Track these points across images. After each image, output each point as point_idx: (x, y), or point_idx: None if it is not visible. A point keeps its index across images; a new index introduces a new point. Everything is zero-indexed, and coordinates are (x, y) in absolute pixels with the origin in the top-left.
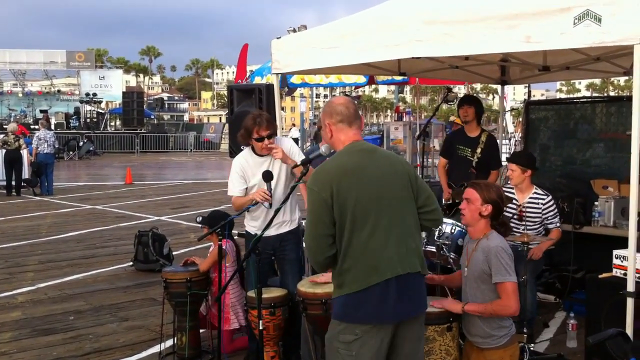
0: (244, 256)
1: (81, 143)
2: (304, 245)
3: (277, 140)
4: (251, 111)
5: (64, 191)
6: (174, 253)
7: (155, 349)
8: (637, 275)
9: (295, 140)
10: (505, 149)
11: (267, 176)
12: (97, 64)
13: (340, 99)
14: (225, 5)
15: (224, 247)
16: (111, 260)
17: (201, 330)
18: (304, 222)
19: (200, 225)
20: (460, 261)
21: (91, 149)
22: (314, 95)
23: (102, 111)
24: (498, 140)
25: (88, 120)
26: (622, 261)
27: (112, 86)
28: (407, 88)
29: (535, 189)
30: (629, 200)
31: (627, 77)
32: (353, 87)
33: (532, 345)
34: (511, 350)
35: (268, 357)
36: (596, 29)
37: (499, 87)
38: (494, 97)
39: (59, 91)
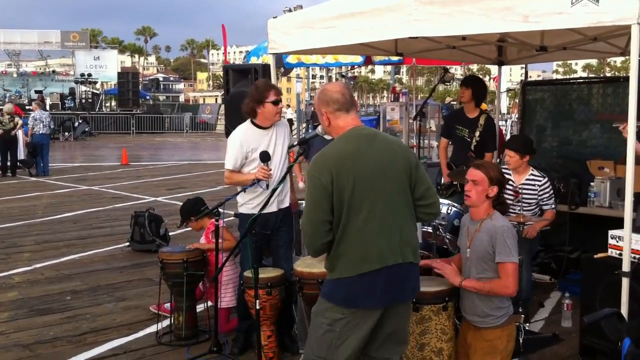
0: (241, 236)
1: (76, 124)
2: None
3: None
4: (247, 91)
5: (59, 172)
6: (170, 234)
7: (152, 328)
8: (633, 255)
9: (290, 121)
10: (503, 131)
11: (265, 156)
12: (92, 44)
13: (334, 85)
14: None
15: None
16: (107, 240)
17: (198, 310)
18: (302, 203)
19: (183, 225)
20: (459, 242)
21: (86, 129)
22: (310, 76)
23: (97, 92)
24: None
25: (83, 100)
26: (617, 241)
27: (107, 67)
28: (404, 69)
29: (532, 170)
30: (625, 181)
31: (623, 58)
32: (349, 67)
33: (527, 324)
34: (508, 330)
35: (265, 336)
36: (594, 8)
37: (495, 67)
38: (490, 78)
39: (53, 71)
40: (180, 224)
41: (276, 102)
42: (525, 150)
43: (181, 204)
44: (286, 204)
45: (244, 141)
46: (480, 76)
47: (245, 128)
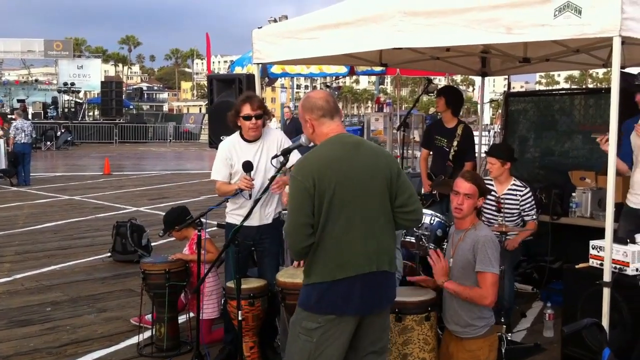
0: (223, 246)
1: (59, 133)
2: (284, 236)
3: (268, 130)
4: (232, 101)
5: (41, 181)
6: (152, 244)
7: (134, 340)
8: (614, 265)
9: None
10: (485, 141)
11: (247, 166)
12: (76, 53)
13: (318, 92)
14: None
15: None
16: (89, 251)
17: (180, 321)
18: (284, 212)
19: (167, 234)
20: (445, 252)
21: (69, 139)
22: (295, 86)
23: (80, 101)
24: (477, 132)
25: (66, 110)
26: (598, 251)
27: (91, 76)
28: (388, 79)
29: (514, 180)
30: (606, 192)
31: (605, 69)
32: (334, 78)
33: (510, 334)
34: (490, 340)
35: (247, 347)
36: (576, 20)
37: (478, 78)
38: (473, 89)
39: (36, 80)
40: (164, 233)
41: (248, 118)
42: (506, 157)
43: (164, 214)
44: (268, 220)
45: (228, 153)
46: (464, 87)
47: (232, 140)
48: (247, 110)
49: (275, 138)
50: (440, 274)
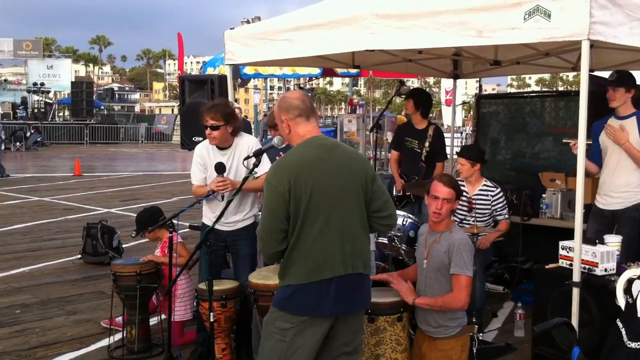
0: (195, 247)
1: (28, 134)
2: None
3: (240, 137)
4: (204, 102)
5: (10, 182)
6: (123, 246)
7: (104, 342)
8: (583, 266)
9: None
10: (457, 143)
11: (220, 168)
12: (45, 53)
13: (294, 93)
14: None
15: (175, 241)
16: (59, 253)
17: (151, 323)
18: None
19: (139, 235)
20: (416, 253)
21: (39, 139)
22: (268, 87)
23: (50, 101)
24: (449, 134)
25: (36, 110)
26: (568, 252)
27: (61, 76)
28: (362, 81)
29: (485, 181)
30: (576, 193)
31: (575, 73)
32: (307, 79)
33: (481, 334)
34: (462, 340)
35: (219, 349)
36: (545, 24)
37: (449, 80)
38: (445, 91)
39: (5, 80)
40: (136, 234)
41: (204, 127)
42: (475, 159)
43: (135, 215)
44: (243, 222)
45: (201, 158)
46: (436, 89)
47: (205, 144)
48: (206, 120)
49: (247, 144)
50: (407, 294)
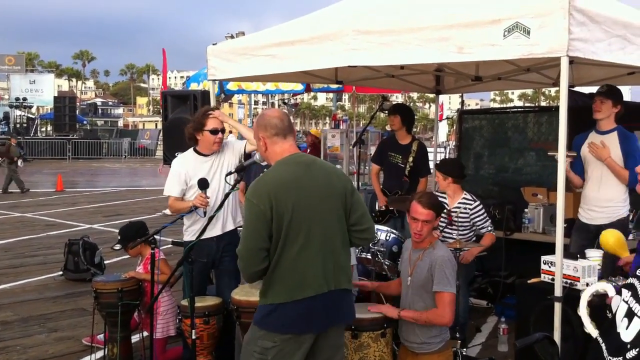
0: (177, 263)
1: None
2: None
3: (229, 141)
4: (186, 118)
5: None
6: (105, 262)
7: None
8: (564, 280)
9: None
10: (441, 157)
11: (203, 184)
12: (28, 67)
13: (273, 111)
14: (162, 11)
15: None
16: (40, 269)
17: (133, 340)
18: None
19: (120, 248)
20: (400, 268)
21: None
22: (252, 102)
23: (33, 116)
24: (432, 149)
25: (18, 125)
26: (549, 267)
27: (44, 91)
28: (346, 96)
29: (465, 194)
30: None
31: (557, 88)
32: (291, 95)
33: (465, 349)
34: (446, 355)
35: None
36: (525, 40)
37: (446, 96)
38: (430, 106)
39: None
40: (120, 247)
41: (215, 132)
42: (447, 172)
43: (117, 231)
44: (229, 227)
45: (183, 169)
46: (420, 104)
47: (186, 156)
48: (212, 124)
49: (231, 148)
50: (390, 310)
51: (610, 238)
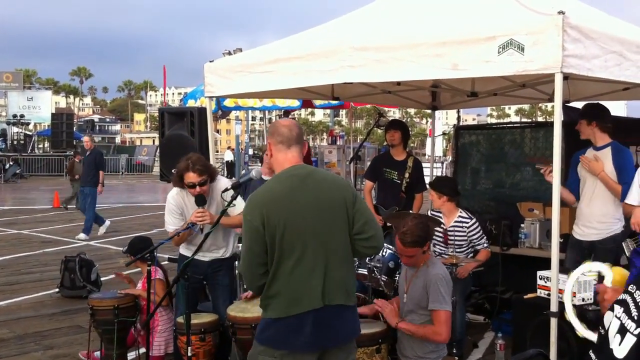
0: (173, 280)
1: (7, 166)
2: (236, 271)
3: (216, 181)
4: (183, 134)
5: None
6: (102, 279)
7: None
8: (560, 295)
9: (231, 163)
10: (437, 173)
11: (200, 200)
12: (26, 84)
13: (286, 121)
14: (160, 28)
15: (154, 276)
16: (36, 286)
17: (129, 357)
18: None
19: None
20: (398, 286)
21: (18, 171)
22: (250, 118)
23: (30, 133)
24: (428, 164)
25: (15, 142)
26: (545, 282)
27: (41, 107)
28: (343, 112)
29: (460, 212)
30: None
31: (553, 103)
32: (282, 111)
33: None
34: None
35: None
36: (519, 57)
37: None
38: (427, 122)
39: None
40: (126, 254)
41: (192, 186)
42: (441, 191)
43: (114, 247)
44: (217, 255)
45: (178, 203)
46: (417, 119)
47: (182, 194)
48: (189, 179)
49: (218, 191)
50: (392, 316)
51: (616, 276)
